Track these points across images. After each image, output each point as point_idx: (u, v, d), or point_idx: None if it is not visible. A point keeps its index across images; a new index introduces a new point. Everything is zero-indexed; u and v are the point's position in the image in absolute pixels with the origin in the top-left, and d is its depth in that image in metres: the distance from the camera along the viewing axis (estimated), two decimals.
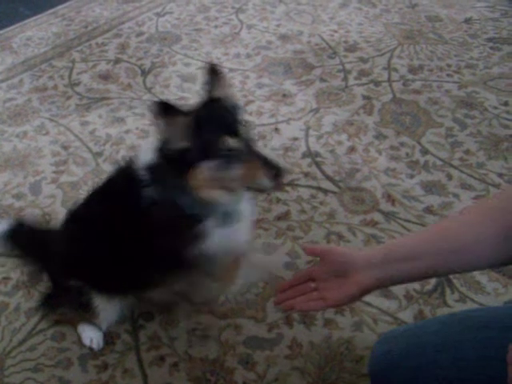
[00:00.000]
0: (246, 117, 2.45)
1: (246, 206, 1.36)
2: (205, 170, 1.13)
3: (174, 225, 1.24)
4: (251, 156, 1.15)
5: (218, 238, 1.28)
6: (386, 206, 2.03)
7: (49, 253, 1.55)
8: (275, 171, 1.14)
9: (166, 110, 1.06)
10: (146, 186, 1.21)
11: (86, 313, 1.54)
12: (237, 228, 1.32)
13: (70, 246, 1.44)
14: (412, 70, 2.84)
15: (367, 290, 1.03)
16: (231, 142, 1.12)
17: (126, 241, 1.27)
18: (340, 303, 1.07)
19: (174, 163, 1.15)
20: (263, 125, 2.47)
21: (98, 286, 1.48)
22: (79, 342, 1.62)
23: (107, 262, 1.35)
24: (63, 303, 1.58)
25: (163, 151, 1.16)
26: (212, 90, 1.24)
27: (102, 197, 1.39)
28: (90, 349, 1.60)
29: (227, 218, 1.28)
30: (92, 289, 1.49)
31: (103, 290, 1.49)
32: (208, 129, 1.12)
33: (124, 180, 1.29)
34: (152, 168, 1.21)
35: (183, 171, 1.14)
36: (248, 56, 3.00)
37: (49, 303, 1.65)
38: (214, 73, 1.25)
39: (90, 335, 1.61)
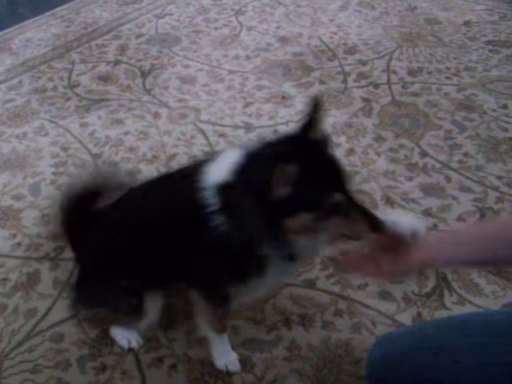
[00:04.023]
0: (246, 119, 2.46)
1: (309, 250, 1.34)
2: (304, 220, 1.09)
3: (239, 255, 1.20)
4: (352, 209, 1.12)
5: (273, 275, 1.27)
6: (384, 208, 2.03)
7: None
8: (375, 225, 1.12)
9: (278, 156, 1.02)
10: (213, 211, 1.15)
11: (135, 312, 1.51)
12: (292, 268, 1.32)
13: (125, 242, 1.39)
14: (411, 72, 2.84)
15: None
16: (336, 195, 1.09)
17: (184, 249, 1.26)
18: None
19: (268, 205, 1.07)
20: (262, 127, 2.47)
21: (149, 281, 1.46)
22: (78, 343, 1.62)
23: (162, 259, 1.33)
24: (110, 303, 1.54)
25: (252, 188, 1.08)
26: (313, 127, 1.15)
27: (163, 201, 1.33)
28: (130, 349, 1.60)
29: (292, 259, 1.25)
30: (144, 286, 1.46)
31: (154, 285, 1.47)
32: (313, 180, 1.07)
33: (190, 192, 1.20)
34: (226, 195, 1.14)
35: (278, 215, 1.08)
36: (247, 58, 3.00)
37: (86, 301, 1.60)
38: (316, 107, 1.15)
39: (127, 336, 1.61)
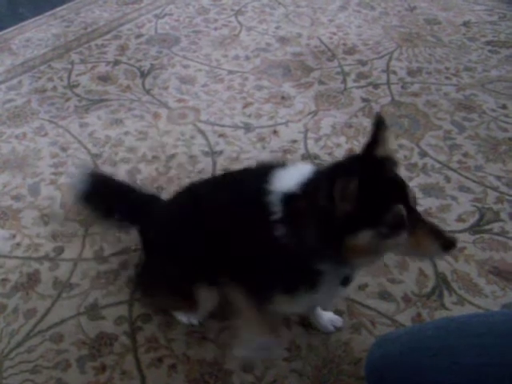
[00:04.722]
0: (246, 119, 2.46)
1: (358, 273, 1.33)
2: (367, 237, 1.05)
3: (295, 268, 1.18)
4: (419, 225, 1.08)
5: (323, 293, 1.25)
6: None
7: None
8: (446, 242, 1.07)
9: (341, 172, 1.03)
10: (276, 220, 1.14)
11: (189, 305, 1.55)
12: (342, 289, 1.30)
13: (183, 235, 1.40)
14: (411, 72, 2.85)
15: None
16: (400, 210, 1.05)
17: (241, 252, 1.25)
18: None
19: (331, 221, 1.04)
20: (262, 127, 2.47)
21: (201, 277, 1.47)
22: (77, 343, 1.62)
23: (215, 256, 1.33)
24: (165, 289, 1.58)
25: (317, 203, 1.05)
26: (377, 146, 1.13)
27: (229, 197, 1.31)
28: (190, 325, 1.66)
29: (346, 279, 1.25)
30: (196, 281, 1.48)
31: (206, 282, 1.48)
32: (379, 198, 1.04)
33: (257, 193, 1.19)
34: (291, 206, 1.13)
35: (341, 232, 1.05)
36: (247, 58, 3.00)
37: (145, 284, 1.69)
38: (380, 125, 1.13)
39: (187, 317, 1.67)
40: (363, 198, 1.01)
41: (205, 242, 1.32)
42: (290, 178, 1.16)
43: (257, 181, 1.21)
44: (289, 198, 1.14)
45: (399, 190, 1.09)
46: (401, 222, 1.05)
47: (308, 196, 1.10)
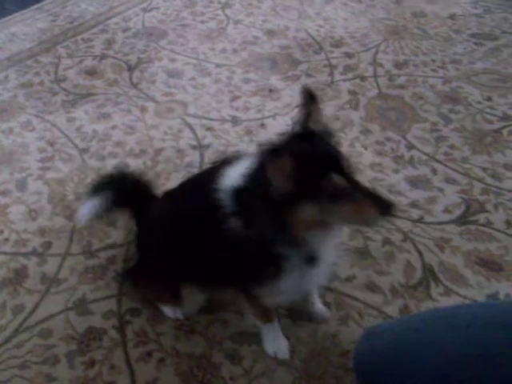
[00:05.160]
0: (233, 113, 2.46)
1: (331, 250, 1.32)
2: (308, 210, 1.06)
3: (258, 257, 1.21)
4: (358, 192, 1.08)
5: (295, 277, 1.26)
6: None
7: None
8: (384, 207, 1.07)
9: (270, 153, 1.03)
10: (230, 215, 1.17)
11: (174, 300, 1.60)
12: (315, 271, 1.30)
13: (158, 235, 1.48)
14: (397, 65, 2.85)
15: None
16: (336, 179, 1.05)
17: (206, 250, 1.29)
18: None
19: (272, 202, 1.07)
20: (249, 120, 2.47)
21: (183, 276, 1.51)
22: (66, 338, 1.62)
23: (188, 258, 1.36)
24: (151, 283, 1.62)
25: (258, 189, 1.09)
26: (308, 120, 1.15)
27: (190, 201, 1.37)
28: (177, 319, 1.67)
29: (311, 259, 1.24)
30: (180, 278, 1.53)
31: (188, 281, 1.52)
32: (311, 169, 1.04)
33: (210, 195, 1.22)
34: (239, 198, 1.16)
35: (283, 210, 1.07)
36: (234, 51, 3.00)
37: (133, 278, 1.73)
38: (310, 99, 1.16)
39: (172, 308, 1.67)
40: (298, 173, 1.03)
41: (179, 244, 1.37)
42: (236, 173, 1.18)
43: (212, 180, 1.24)
44: (236, 192, 1.16)
45: (333, 160, 1.10)
46: (338, 191, 1.06)
47: (249, 185, 1.12)
